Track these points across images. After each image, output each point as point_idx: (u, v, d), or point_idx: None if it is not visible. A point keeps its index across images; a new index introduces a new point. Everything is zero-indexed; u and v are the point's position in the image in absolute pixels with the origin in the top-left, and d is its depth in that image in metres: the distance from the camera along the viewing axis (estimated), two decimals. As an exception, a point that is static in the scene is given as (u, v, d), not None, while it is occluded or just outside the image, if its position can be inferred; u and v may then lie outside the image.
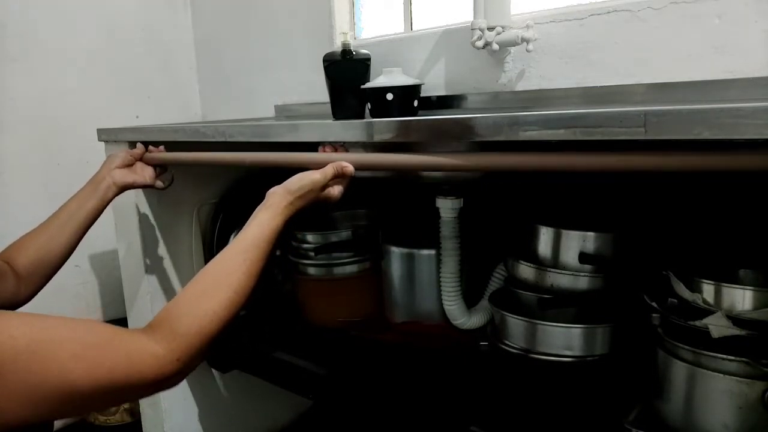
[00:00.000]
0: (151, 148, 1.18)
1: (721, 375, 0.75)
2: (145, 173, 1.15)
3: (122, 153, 1.14)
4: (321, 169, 0.85)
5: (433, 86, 1.35)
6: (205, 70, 2.05)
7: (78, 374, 0.54)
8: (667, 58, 1.06)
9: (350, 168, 0.87)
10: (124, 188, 1.11)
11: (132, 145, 1.23)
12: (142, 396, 0.59)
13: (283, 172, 0.87)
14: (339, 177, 0.87)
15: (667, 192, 1.03)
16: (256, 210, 0.80)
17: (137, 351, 0.59)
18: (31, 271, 0.95)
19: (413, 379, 1.10)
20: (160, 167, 1.19)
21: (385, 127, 0.87)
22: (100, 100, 1.82)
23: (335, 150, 0.93)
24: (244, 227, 0.77)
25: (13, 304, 0.93)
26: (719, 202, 0.99)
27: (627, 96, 1.09)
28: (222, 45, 1.95)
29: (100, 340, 0.58)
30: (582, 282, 0.97)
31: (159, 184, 1.18)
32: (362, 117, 1.11)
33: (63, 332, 0.56)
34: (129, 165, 1.14)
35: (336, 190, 0.88)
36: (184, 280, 1.44)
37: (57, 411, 0.55)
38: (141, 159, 1.16)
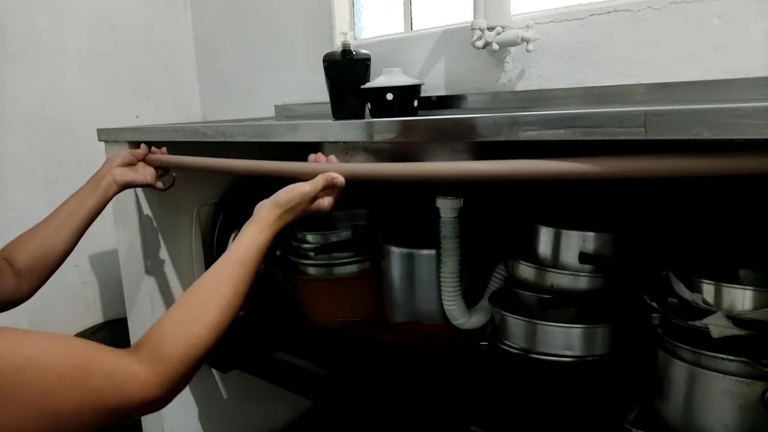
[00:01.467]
0: (153, 149, 1.18)
1: (721, 375, 0.75)
2: (146, 173, 1.15)
3: (124, 152, 1.14)
4: (311, 181, 0.84)
5: (433, 86, 1.35)
6: (205, 70, 2.05)
7: (62, 395, 0.52)
8: (667, 58, 1.06)
9: (341, 179, 0.85)
10: (124, 186, 1.11)
11: (132, 145, 1.23)
12: (126, 419, 0.57)
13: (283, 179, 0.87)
14: (329, 188, 0.86)
15: (667, 192, 1.03)
16: (245, 225, 0.79)
17: (122, 373, 0.57)
18: (31, 269, 0.95)
19: (413, 379, 1.10)
20: (162, 169, 1.19)
21: (385, 127, 0.86)
22: (100, 100, 1.82)
23: (327, 159, 0.92)
24: (233, 243, 0.76)
25: (13, 302, 0.93)
26: (719, 202, 0.99)
27: (627, 96, 1.09)
28: (222, 45, 1.95)
29: (84, 359, 0.56)
30: (582, 282, 0.97)
31: (159, 185, 1.18)
32: (362, 117, 1.11)
33: (48, 351, 0.54)
34: (131, 164, 1.14)
35: (326, 202, 0.86)
36: (184, 280, 1.44)
37: None
38: (143, 159, 1.17)
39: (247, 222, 0.79)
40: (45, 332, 0.57)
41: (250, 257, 0.75)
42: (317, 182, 0.84)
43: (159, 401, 0.60)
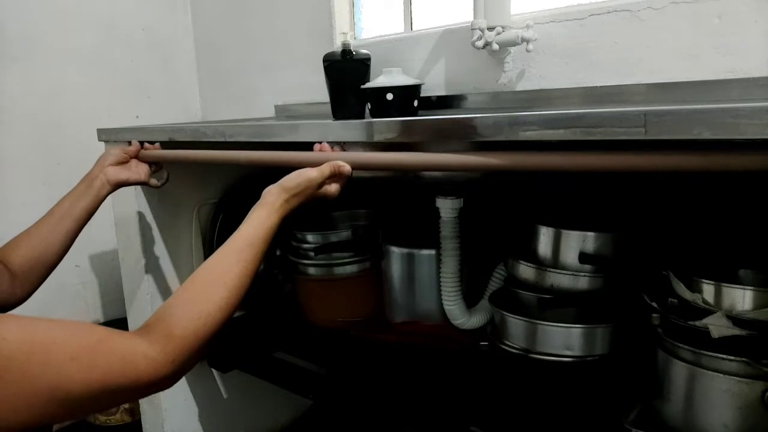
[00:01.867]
0: (146, 145, 1.17)
1: (721, 375, 0.75)
2: (139, 170, 1.14)
3: (116, 150, 1.13)
4: (318, 167, 0.84)
5: (433, 86, 1.35)
6: (205, 70, 2.05)
7: (73, 377, 0.53)
8: (667, 58, 1.06)
9: (347, 168, 0.86)
10: (117, 185, 1.10)
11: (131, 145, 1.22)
12: (137, 398, 0.59)
13: (283, 172, 0.87)
14: (336, 176, 0.86)
15: (667, 192, 1.03)
16: (252, 208, 0.79)
17: (132, 353, 0.58)
18: (26, 271, 0.95)
19: (413, 379, 1.10)
20: (155, 165, 1.18)
21: (385, 127, 0.87)
22: (100, 100, 1.82)
23: (332, 148, 0.92)
24: (240, 226, 0.77)
25: (9, 304, 0.92)
26: (719, 202, 0.99)
27: (627, 96, 1.09)
28: (222, 45, 1.95)
29: (95, 342, 0.57)
30: (582, 282, 0.97)
31: (153, 181, 1.17)
32: (362, 117, 1.11)
33: (57, 335, 0.55)
34: (123, 162, 1.12)
35: (333, 188, 0.87)
36: (184, 280, 1.42)
37: (52, 415, 0.54)
38: (136, 156, 1.15)
39: (255, 205, 0.79)
40: (54, 318, 0.58)
41: (258, 239, 0.75)
42: (324, 169, 0.84)
43: (168, 379, 0.61)
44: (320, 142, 0.92)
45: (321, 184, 0.84)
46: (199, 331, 0.64)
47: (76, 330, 0.57)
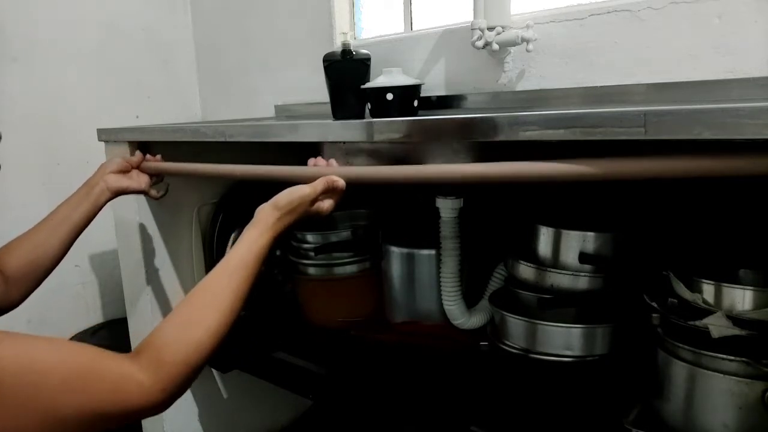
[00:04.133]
0: (148, 156, 1.18)
1: (721, 375, 0.75)
2: (140, 180, 1.14)
3: (118, 159, 1.13)
4: (311, 184, 0.84)
5: (433, 86, 1.35)
6: (205, 70, 2.05)
7: (64, 401, 0.53)
8: (667, 58, 1.06)
9: (341, 182, 0.86)
10: (117, 193, 1.10)
11: (132, 145, 1.23)
12: (126, 422, 0.59)
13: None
14: (330, 191, 0.86)
15: (667, 192, 1.03)
16: (245, 228, 0.79)
17: (123, 379, 0.58)
18: (21, 274, 0.95)
19: (413, 379, 1.10)
20: (156, 176, 1.18)
21: (385, 127, 0.86)
22: (100, 100, 1.82)
23: (327, 163, 0.92)
24: (234, 246, 0.77)
25: (3, 308, 0.92)
26: (719, 202, 0.99)
27: (627, 96, 1.09)
28: (222, 45, 1.95)
29: (87, 366, 0.57)
30: (582, 282, 0.97)
31: (153, 192, 1.18)
32: (362, 117, 1.11)
33: (51, 356, 0.55)
34: (125, 171, 1.13)
35: (326, 204, 0.86)
36: (184, 280, 1.44)
37: None
38: (138, 166, 1.16)
39: (248, 225, 0.79)
40: (46, 337, 0.57)
41: (250, 260, 0.75)
42: (317, 185, 0.84)
43: (160, 406, 0.61)
44: (315, 153, 0.92)
45: (314, 201, 0.84)
46: (190, 358, 0.63)
47: (68, 352, 0.57)
